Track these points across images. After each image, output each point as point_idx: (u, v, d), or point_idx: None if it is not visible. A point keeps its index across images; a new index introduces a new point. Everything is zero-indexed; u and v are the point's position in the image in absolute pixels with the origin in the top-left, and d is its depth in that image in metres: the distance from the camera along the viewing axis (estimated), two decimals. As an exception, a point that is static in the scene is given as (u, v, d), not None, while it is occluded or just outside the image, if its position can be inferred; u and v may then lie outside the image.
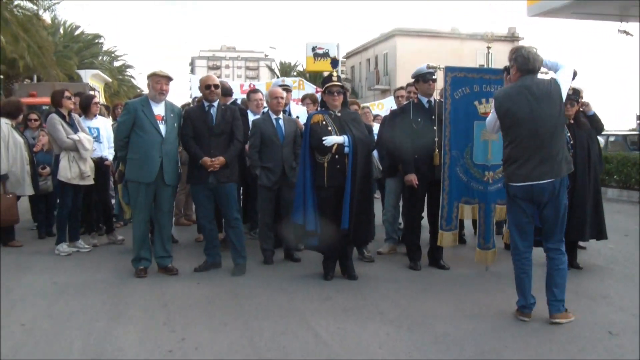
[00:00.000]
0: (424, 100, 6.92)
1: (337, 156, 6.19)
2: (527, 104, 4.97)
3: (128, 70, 52.24)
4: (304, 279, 6.42)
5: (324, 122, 6.27)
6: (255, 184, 7.17)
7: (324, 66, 36.48)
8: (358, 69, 49.18)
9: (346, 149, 6.17)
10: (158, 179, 6.38)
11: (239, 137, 6.62)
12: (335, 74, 6.36)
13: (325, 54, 38.35)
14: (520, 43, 42.27)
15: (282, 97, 7.11)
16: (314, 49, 37.98)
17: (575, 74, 6.63)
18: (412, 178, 6.72)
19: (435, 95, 6.99)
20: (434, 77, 6.84)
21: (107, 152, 8.34)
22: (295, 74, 45.02)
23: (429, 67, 6.82)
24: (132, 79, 51.60)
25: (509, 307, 5.37)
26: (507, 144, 5.14)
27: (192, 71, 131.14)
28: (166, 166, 6.41)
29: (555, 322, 4.99)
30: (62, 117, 7.54)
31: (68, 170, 7.41)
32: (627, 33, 20.77)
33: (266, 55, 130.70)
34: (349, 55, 50.30)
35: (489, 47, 7.13)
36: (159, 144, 6.36)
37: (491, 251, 6.80)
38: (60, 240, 7.59)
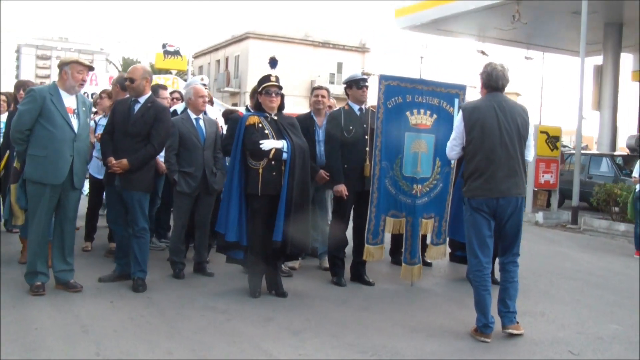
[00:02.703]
0: (356, 107, 6.60)
1: (273, 162, 5.69)
2: (496, 117, 4.94)
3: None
4: (229, 295, 5.85)
5: (260, 125, 5.75)
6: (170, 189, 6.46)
7: (175, 64, 35.39)
8: (207, 69, 48.22)
9: (284, 155, 5.69)
10: (66, 181, 5.51)
11: (154, 142, 5.87)
12: (273, 74, 5.85)
13: (176, 52, 37.13)
14: (370, 55, 43.66)
15: (203, 96, 6.46)
16: (164, 46, 36.60)
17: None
18: (342, 188, 6.37)
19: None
20: (367, 84, 6.55)
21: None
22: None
23: (363, 73, 6.52)
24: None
25: (457, 325, 5.29)
26: (472, 157, 5.02)
27: (18, 59, 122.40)
28: (76, 167, 5.56)
29: (510, 333, 4.97)
30: None
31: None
32: (483, 53, 22.02)
33: (101, 49, 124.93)
34: (197, 55, 49.20)
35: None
36: (71, 140, 5.49)
37: (417, 266, 6.64)
38: None
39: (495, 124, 4.90)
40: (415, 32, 23.43)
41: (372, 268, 6.88)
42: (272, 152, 5.65)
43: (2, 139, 7.30)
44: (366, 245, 6.46)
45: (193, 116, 6.45)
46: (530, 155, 5.20)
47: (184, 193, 6.33)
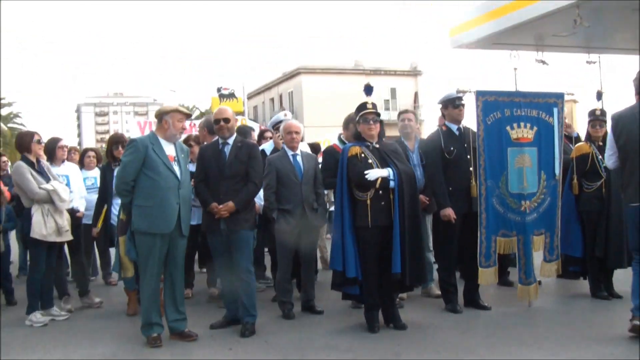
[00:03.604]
0: (454, 127, 6.40)
1: (381, 192, 5.52)
2: (638, 123, 4.95)
3: (16, 119, 49.15)
4: (346, 333, 5.65)
5: (363, 155, 5.59)
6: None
7: (231, 106, 35.79)
8: (261, 109, 48.76)
9: (391, 183, 5.51)
10: (175, 229, 5.46)
11: (255, 179, 5.80)
12: (370, 101, 5.71)
13: (231, 94, 37.74)
14: (422, 77, 43.45)
15: (297, 132, 6.36)
16: (219, 89, 37.27)
17: (600, 94, 6.39)
18: (450, 212, 6.15)
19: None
20: (463, 102, 6.35)
21: (78, 202, 7.25)
22: (195, 116, 44.05)
23: (458, 91, 6.32)
24: (22, 127, 48.39)
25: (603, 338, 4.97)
26: (622, 165, 5.26)
27: (79, 118, 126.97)
28: (183, 214, 5.50)
29: None
30: (31, 164, 6.45)
31: (43, 226, 6.28)
32: (543, 62, 21.51)
33: (154, 100, 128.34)
34: (251, 96, 49.77)
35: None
36: (176, 188, 5.45)
37: (533, 286, 6.34)
38: (32, 308, 6.39)
39: (637, 131, 4.84)
40: (469, 50, 23.10)
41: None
42: (379, 181, 5.48)
43: (98, 194, 7.34)
44: (480, 268, 6.20)
45: (290, 153, 6.34)
46: None
47: (284, 231, 6.21)
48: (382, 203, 5.52)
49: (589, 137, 6.73)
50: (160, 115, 5.59)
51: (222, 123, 5.82)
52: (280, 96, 45.36)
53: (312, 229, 6.32)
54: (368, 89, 5.82)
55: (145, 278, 5.51)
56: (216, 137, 6.84)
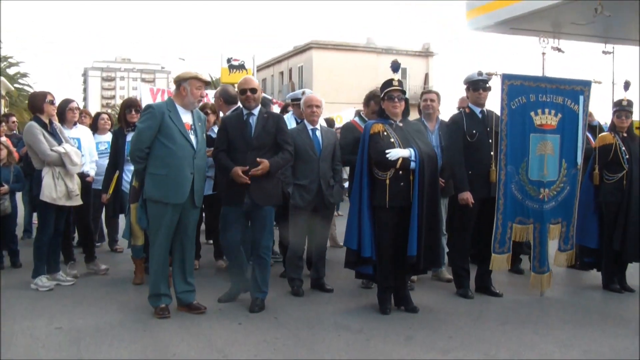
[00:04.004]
0: (477, 110, 6.25)
1: (401, 172, 5.38)
2: None
3: (23, 78, 48.88)
4: (357, 313, 5.57)
5: (385, 133, 5.45)
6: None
7: (240, 78, 35.61)
8: (270, 82, 48.45)
9: (412, 164, 5.38)
10: (187, 199, 5.34)
11: (289, 148, 5.66)
12: (396, 77, 5.55)
13: (241, 66, 37.25)
14: (433, 59, 43.10)
15: (317, 106, 6.19)
16: (229, 60, 36.76)
17: (628, 84, 6.24)
18: (468, 196, 6.03)
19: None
20: (487, 85, 6.19)
21: (89, 166, 7.14)
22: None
23: (480, 73, 6.15)
24: (29, 88, 48.18)
25: (612, 337, 4.89)
26: None
27: (85, 82, 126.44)
28: (197, 184, 5.38)
29: None
30: (43, 125, 6.31)
31: (53, 189, 6.17)
32: (559, 50, 21.25)
33: (162, 68, 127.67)
34: (260, 68, 49.36)
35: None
36: (191, 157, 5.31)
37: (546, 275, 6.25)
38: (38, 272, 6.30)
39: None
40: (487, 33, 22.78)
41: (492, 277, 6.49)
42: (400, 161, 5.35)
43: (109, 159, 7.21)
44: (493, 254, 6.10)
45: (310, 127, 6.20)
46: None
47: (299, 207, 6.09)
48: (402, 184, 5.39)
49: (614, 128, 6.58)
50: (179, 82, 5.43)
51: (248, 93, 5.64)
52: (290, 70, 45.05)
53: (328, 206, 6.19)
54: (395, 66, 5.65)
55: (155, 247, 5.40)
56: (234, 107, 6.73)
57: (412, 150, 5.39)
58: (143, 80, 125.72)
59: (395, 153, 5.34)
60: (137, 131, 5.36)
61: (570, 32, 21.45)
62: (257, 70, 49.91)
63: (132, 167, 6.51)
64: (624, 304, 6.12)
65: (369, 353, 4.55)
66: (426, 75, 42.54)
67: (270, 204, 5.60)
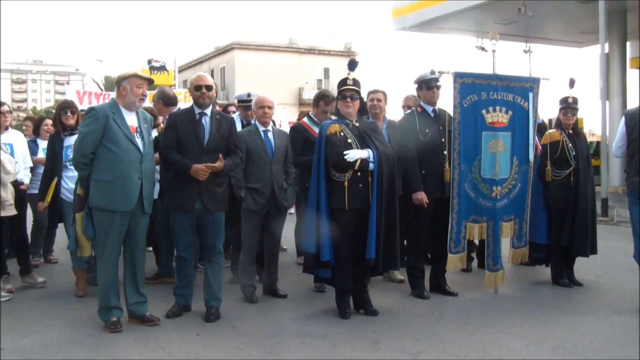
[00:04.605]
0: (429, 109, 6.21)
1: (359, 173, 5.28)
2: None
3: None
4: (317, 318, 5.42)
5: (342, 134, 5.33)
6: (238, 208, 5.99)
7: (162, 80, 34.76)
8: (193, 83, 47.71)
9: (371, 165, 5.27)
10: (136, 206, 5.06)
11: (240, 154, 5.50)
12: (351, 77, 5.44)
13: (162, 67, 36.53)
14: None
15: (269, 107, 5.99)
16: (150, 61, 35.94)
17: (573, 81, 6.34)
18: (422, 196, 5.98)
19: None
20: (438, 83, 6.16)
21: (22, 173, 6.70)
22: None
23: (432, 72, 6.12)
24: None
25: (561, 328, 4.99)
26: (632, 157, 5.77)
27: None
28: (146, 190, 5.10)
29: None
30: (-27, 131, 5.89)
31: (-15, 199, 5.78)
32: (483, 49, 21.75)
33: (77, 70, 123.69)
34: (182, 69, 48.59)
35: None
36: (138, 162, 5.02)
37: (500, 272, 6.28)
38: (-29, 288, 5.89)
39: None
40: (411, 33, 23.10)
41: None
42: (358, 163, 5.23)
43: (45, 165, 6.79)
44: (449, 254, 6.08)
45: (262, 129, 6.00)
46: None
47: (252, 211, 5.89)
48: (360, 185, 5.28)
49: (560, 125, 6.67)
50: (119, 82, 5.14)
51: (204, 90, 5.36)
52: (212, 71, 44.45)
53: (281, 209, 6.02)
54: (352, 64, 5.55)
55: (103, 258, 5.10)
56: (174, 109, 6.48)
57: (370, 151, 5.29)
58: (57, 82, 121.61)
59: (354, 154, 5.22)
60: (80, 136, 5.03)
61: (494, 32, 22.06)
62: (179, 72, 49.23)
63: (70, 174, 6.19)
64: (575, 298, 6.22)
65: (338, 360, 4.42)
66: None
67: (221, 209, 5.40)
